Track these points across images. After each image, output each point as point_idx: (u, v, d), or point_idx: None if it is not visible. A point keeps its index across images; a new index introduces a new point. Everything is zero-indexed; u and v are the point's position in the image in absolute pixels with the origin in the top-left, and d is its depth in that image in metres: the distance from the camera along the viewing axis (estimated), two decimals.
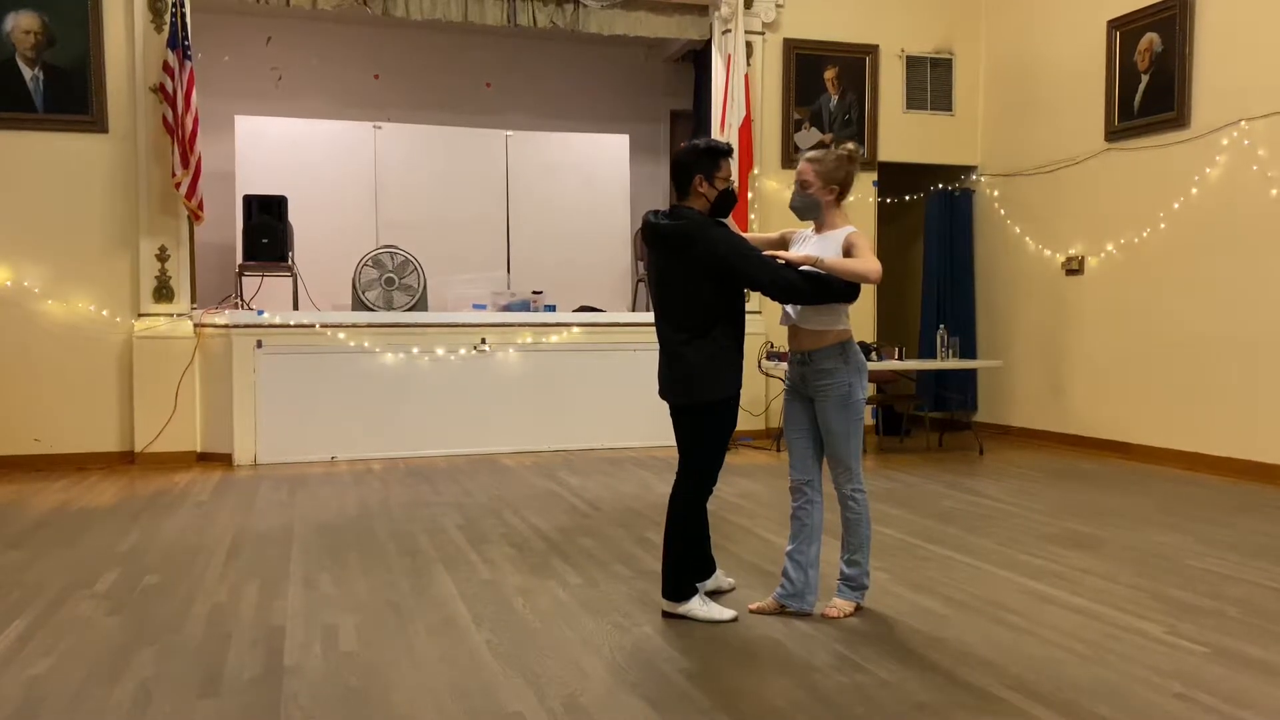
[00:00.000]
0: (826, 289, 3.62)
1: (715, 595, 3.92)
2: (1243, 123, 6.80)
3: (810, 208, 3.76)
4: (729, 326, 3.70)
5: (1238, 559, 4.59)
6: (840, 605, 3.76)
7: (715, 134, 8.56)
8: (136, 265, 7.45)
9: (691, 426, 3.75)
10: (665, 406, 3.83)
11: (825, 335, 3.71)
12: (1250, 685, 3.08)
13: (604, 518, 5.55)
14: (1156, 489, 6.44)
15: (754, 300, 7.95)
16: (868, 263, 3.58)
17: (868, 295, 9.09)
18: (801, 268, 3.63)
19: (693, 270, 3.62)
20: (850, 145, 3.84)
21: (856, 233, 3.72)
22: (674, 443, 3.84)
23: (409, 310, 8.09)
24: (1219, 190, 7.01)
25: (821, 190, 3.73)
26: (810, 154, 3.78)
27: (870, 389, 8.81)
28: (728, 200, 3.74)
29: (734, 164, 3.78)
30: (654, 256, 3.76)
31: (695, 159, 3.70)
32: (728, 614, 3.69)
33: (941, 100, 9.36)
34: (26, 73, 7.24)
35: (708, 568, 3.97)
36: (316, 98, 9.74)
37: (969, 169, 9.53)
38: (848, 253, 3.64)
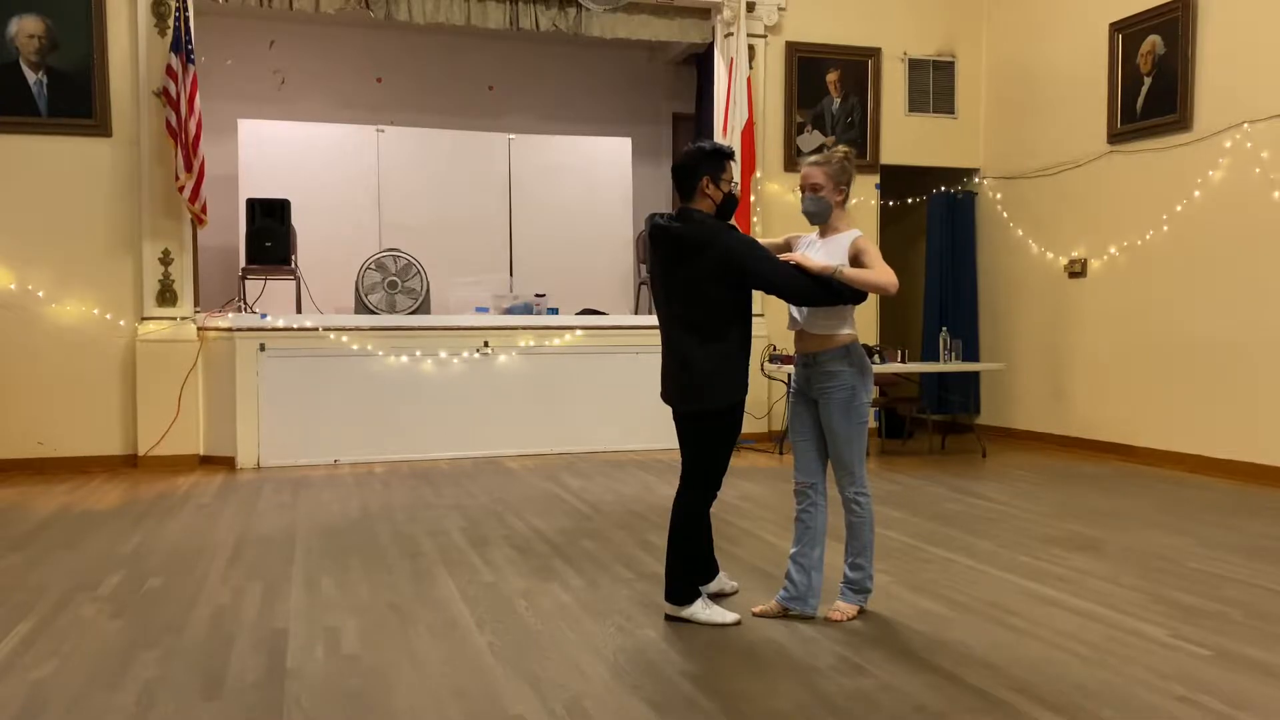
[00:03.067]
0: (836, 291, 3.63)
1: (718, 598, 3.92)
2: (1245, 125, 6.80)
3: (824, 211, 3.77)
4: (738, 330, 3.69)
5: (1240, 561, 4.59)
6: (843, 608, 3.76)
7: (718, 137, 8.56)
8: (140, 269, 7.46)
9: (697, 432, 3.73)
10: (668, 409, 3.82)
11: (831, 338, 3.72)
12: (1252, 688, 3.08)
13: (606, 520, 5.55)
14: (1158, 491, 6.43)
15: (758, 303, 7.94)
16: (884, 275, 3.60)
17: (870, 298, 9.07)
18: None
19: (706, 273, 3.60)
20: (844, 147, 3.87)
21: (863, 237, 3.73)
22: (677, 446, 3.84)
23: (412, 313, 8.10)
24: (1222, 193, 7.01)
25: (833, 192, 3.74)
26: (814, 158, 3.79)
27: (873, 391, 8.83)
28: (731, 203, 3.75)
29: (736, 167, 3.78)
30: (663, 259, 3.71)
31: (701, 161, 3.70)
32: (731, 617, 3.69)
33: (944, 103, 9.36)
34: (30, 76, 7.26)
35: (710, 570, 3.97)
36: (319, 101, 9.75)
37: (971, 171, 9.53)
38: (856, 259, 3.65)
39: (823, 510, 3.81)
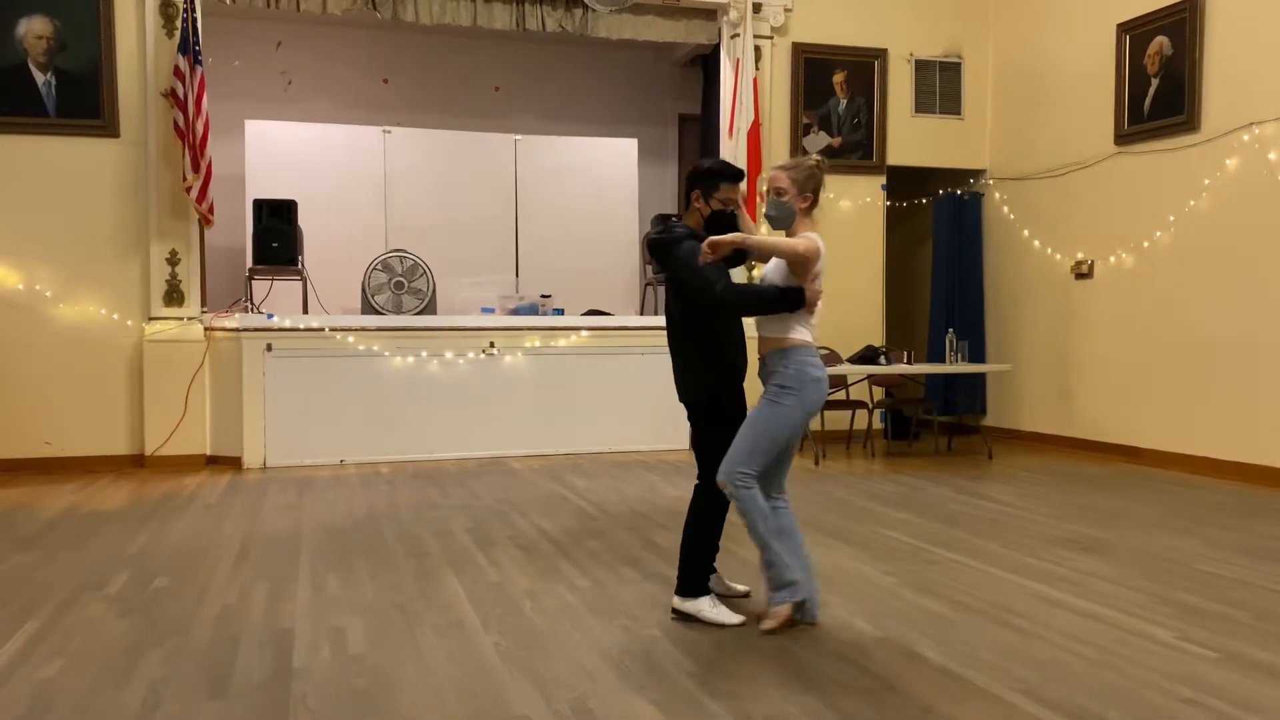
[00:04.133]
0: (764, 302, 3.69)
1: (720, 598, 3.92)
2: (1253, 126, 6.78)
3: (786, 216, 3.73)
4: (711, 327, 3.81)
5: (1246, 563, 4.58)
6: (775, 613, 3.63)
7: (724, 138, 8.59)
8: (147, 269, 7.48)
9: (695, 423, 3.87)
10: (670, 409, 3.93)
11: (779, 341, 3.68)
12: (1259, 690, 3.07)
13: (611, 521, 5.56)
14: (1164, 493, 6.42)
15: None
16: (792, 242, 3.58)
17: (874, 298, 9.09)
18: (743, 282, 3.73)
19: (672, 278, 3.84)
20: (817, 156, 3.85)
21: (813, 235, 3.65)
22: (680, 445, 3.90)
23: (418, 314, 8.12)
24: (1229, 194, 6.99)
25: (796, 198, 3.71)
26: (782, 163, 3.86)
27: (879, 392, 8.84)
28: (719, 221, 3.82)
29: (740, 188, 3.87)
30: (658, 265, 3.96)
31: (696, 175, 3.89)
32: (736, 618, 3.69)
33: (950, 103, 9.35)
34: (39, 77, 7.29)
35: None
36: (326, 102, 9.78)
37: (977, 172, 9.52)
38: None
39: (785, 510, 3.76)
